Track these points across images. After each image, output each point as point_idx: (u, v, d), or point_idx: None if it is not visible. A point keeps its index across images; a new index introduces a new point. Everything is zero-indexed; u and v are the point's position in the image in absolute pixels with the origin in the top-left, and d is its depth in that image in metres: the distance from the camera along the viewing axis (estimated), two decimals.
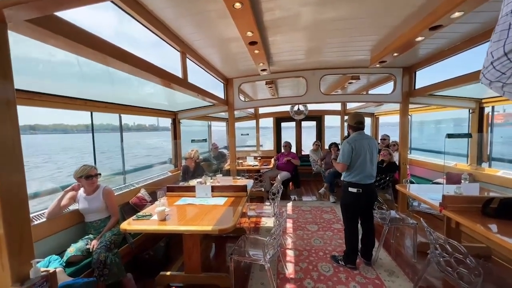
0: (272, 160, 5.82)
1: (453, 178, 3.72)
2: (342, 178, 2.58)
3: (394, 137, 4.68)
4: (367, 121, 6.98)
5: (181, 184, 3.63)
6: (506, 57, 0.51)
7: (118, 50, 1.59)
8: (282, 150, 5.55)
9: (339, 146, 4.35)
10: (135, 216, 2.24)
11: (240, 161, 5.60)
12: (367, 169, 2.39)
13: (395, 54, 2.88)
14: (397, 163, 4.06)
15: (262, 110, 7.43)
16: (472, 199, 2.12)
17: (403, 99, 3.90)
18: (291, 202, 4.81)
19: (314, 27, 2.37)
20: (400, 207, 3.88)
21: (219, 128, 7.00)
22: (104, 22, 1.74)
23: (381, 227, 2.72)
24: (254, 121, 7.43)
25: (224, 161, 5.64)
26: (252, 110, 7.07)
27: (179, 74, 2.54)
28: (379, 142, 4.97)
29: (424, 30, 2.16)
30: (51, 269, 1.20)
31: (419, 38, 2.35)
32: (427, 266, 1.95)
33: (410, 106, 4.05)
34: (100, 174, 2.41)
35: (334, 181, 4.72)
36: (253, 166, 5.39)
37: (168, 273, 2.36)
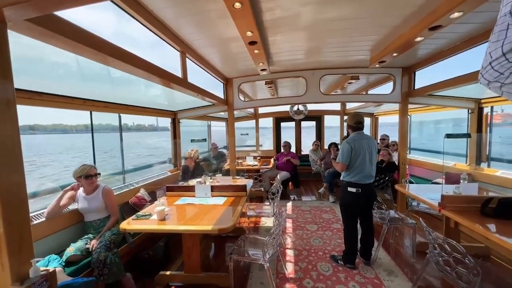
0: (272, 160, 5.83)
1: (452, 178, 3.73)
2: (341, 178, 2.58)
3: (394, 137, 4.69)
4: (367, 121, 7.02)
5: (180, 184, 3.63)
6: (504, 58, 0.52)
7: (118, 50, 1.59)
8: (282, 150, 5.56)
9: (339, 146, 4.35)
10: (134, 215, 2.24)
11: (239, 161, 5.60)
12: (366, 169, 2.39)
13: (395, 54, 2.89)
14: (396, 163, 4.07)
15: (261, 110, 7.43)
16: (471, 199, 2.13)
17: (402, 99, 3.90)
18: (290, 202, 4.82)
19: (314, 27, 2.37)
20: (399, 207, 3.89)
21: (218, 128, 7.00)
22: (104, 21, 1.74)
23: (380, 227, 2.73)
24: (254, 121, 7.43)
25: (223, 161, 5.64)
26: (251, 110, 7.07)
27: (178, 74, 2.54)
28: (378, 142, 4.98)
29: (423, 30, 2.16)
30: (50, 268, 1.20)
31: (419, 38, 2.36)
32: (426, 266, 1.96)
33: (410, 106, 4.05)
34: (99, 174, 2.41)
35: (334, 181, 4.73)
36: (252, 166, 5.39)
37: (168, 272, 2.37)
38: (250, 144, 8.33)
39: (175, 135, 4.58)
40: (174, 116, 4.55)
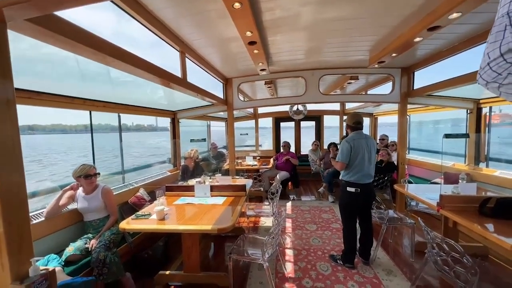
0: (271, 160, 5.83)
1: (450, 178, 3.75)
2: (340, 178, 2.59)
3: (393, 137, 4.70)
4: (366, 121, 7.03)
5: (180, 183, 3.63)
6: (502, 58, 0.52)
7: (118, 50, 1.59)
8: (281, 150, 5.56)
9: (338, 146, 4.36)
10: (134, 215, 2.24)
11: (239, 160, 5.61)
12: (365, 168, 2.40)
13: (394, 55, 2.89)
14: (396, 163, 4.08)
15: (261, 110, 7.44)
16: (470, 199, 2.14)
17: (401, 99, 3.91)
18: (290, 201, 4.82)
19: (314, 27, 2.37)
20: (398, 206, 3.90)
21: (218, 127, 7.00)
22: (104, 21, 1.74)
23: (379, 226, 2.74)
24: (253, 121, 7.44)
25: (223, 160, 5.65)
26: (251, 110, 7.07)
27: (178, 73, 2.54)
28: (378, 142, 4.99)
29: (422, 31, 2.17)
30: (50, 267, 1.20)
31: (418, 39, 2.36)
32: (425, 265, 1.97)
33: (409, 106, 4.06)
34: (99, 174, 2.41)
35: (333, 181, 4.73)
36: (252, 166, 5.39)
37: (167, 272, 2.37)
38: (250, 144, 8.34)
39: (175, 135, 4.58)
40: (174, 116, 4.55)
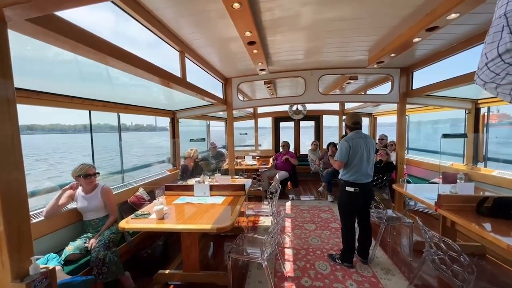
0: (271, 159, 5.84)
1: (449, 177, 3.77)
2: (339, 177, 2.60)
3: (392, 137, 4.72)
4: (365, 121, 7.04)
5: (179, 183, 3.63)
6: (500, 59, 0.53)
7: (118, 50, 1.59)
8: (281, 150, 5.57)
9: (337, 146, 4.37)
10: (133, 214, 2.25)
11: (238, 160, 5.62)
12: (364, 168, 2.41)
13: (393, 55, 2.90)
14: (394, 163, 4.10)
15: (260, 110, 7.44)
16: (467, 199, 2.15)
17: (400, 99, 3.93)
18: (289, 201, 4.84)
19: (314, 27, 2.38)
20: (397, 206, 3.91)
21: (217, 127, 7.01)
22: (103, 21, 1.75)
23: (377, 226, 2.75)
24: (253, 120, 7.44)
25: (222, 160, 5.65)
26: (250, 110, 7.08)
27: (178, 73, 2.54)
28: (377, 142, 5.01)
29: (421, 31, 2.18)
30: (50, 266, 1.20)
31: (416, 39, 2.37)
32: (423, 264, 1.98)
33: (408, 106, 4.07)
34: (98, 173, 2.41)
35: (332, 181, 4.74)
36: (251, 166, 5.40)
37: (167, 271, 2.38)
38: (249, 143, 8.34)
39: (174, 134, 4.58)
40: (173, 116, 4.55)
